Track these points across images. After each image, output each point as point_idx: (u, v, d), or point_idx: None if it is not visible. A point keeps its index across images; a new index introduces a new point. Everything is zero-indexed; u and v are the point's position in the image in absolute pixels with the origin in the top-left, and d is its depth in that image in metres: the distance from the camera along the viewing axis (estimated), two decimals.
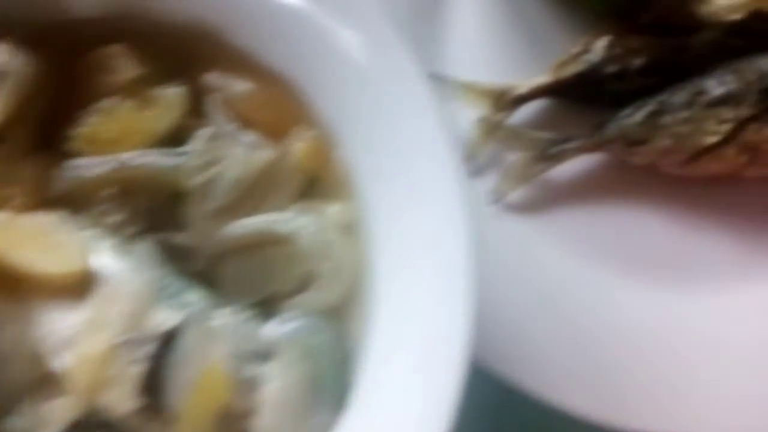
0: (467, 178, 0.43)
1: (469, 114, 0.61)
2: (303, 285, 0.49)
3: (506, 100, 0.61)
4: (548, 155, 0.60)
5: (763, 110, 0.57)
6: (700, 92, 0.58)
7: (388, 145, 0.48)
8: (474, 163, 0.61)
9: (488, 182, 0.61)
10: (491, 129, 0.60)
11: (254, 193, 0.50)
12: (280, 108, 0.51)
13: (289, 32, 0.49)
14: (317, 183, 0.51)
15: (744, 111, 0.57)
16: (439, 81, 0.61)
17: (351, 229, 0.50)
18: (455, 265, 0.44)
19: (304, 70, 0.50)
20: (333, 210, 0.50)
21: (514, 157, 0.60)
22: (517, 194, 0.61)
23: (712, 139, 0.57)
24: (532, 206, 0.61)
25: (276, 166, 0.50)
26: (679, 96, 0.59)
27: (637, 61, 0.60)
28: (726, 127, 0.57)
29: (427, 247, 0.46)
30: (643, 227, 0.60)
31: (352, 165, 0.50)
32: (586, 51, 0.61)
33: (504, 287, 0.59)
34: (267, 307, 0.49)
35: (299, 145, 0.50)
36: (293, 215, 0.50)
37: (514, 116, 0.61)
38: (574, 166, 0.61)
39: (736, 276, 0.59)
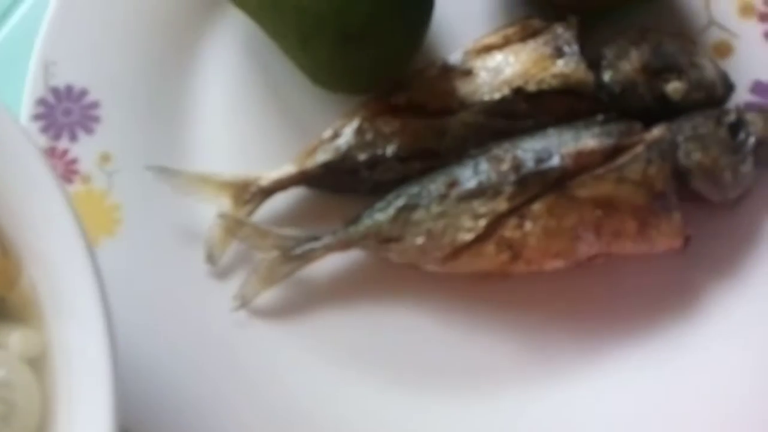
0: (106, 297, 0.39)
1: (209, 210, 0.54)
2: None
3: (249, 194, 0.54)
4: (294, 255, 0.53)
5: (519, 204, 0.51)
6: (454, 183, 0.52)
7: (62, 264, 0.41)
8: (216, 265, 0.54)
9: (232, 286, 0.54)
10: (233, 226, 0.53)
11: None
12: None
13: None
14: (3, 305, 0.43)
15: (500, 204, 0.51)
16: (172, 174, 0.54)
17: (36, 361, 0.42)
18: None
19: None
20: (15, 339, 0.43)
21: (259, 257, 0.53)
22: (265, 298, 0.54)
23: (467, 237, 0.51)
24: (283, 311, 0.54)
25: None
26: (432, 188, 0.52)
27: (391, 147, 0.53)
28: (482, 223, 0.51)
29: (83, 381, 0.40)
30: (408, 330, 0.54)
31: (36, 284, 0.43)
32: (335, 136, 0.54)
33: (247, 406, 0.52)
34: None
35: None
36: None
37: (262, 210, 0.55)
38: (333, 262, 0.54)
39: (509, 381, 0.53)
